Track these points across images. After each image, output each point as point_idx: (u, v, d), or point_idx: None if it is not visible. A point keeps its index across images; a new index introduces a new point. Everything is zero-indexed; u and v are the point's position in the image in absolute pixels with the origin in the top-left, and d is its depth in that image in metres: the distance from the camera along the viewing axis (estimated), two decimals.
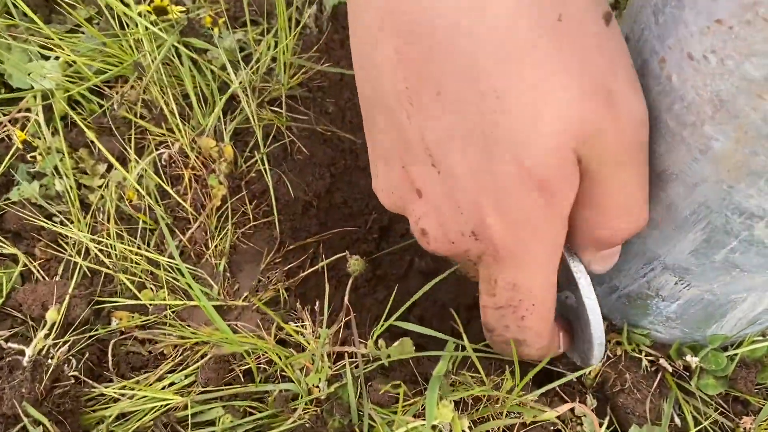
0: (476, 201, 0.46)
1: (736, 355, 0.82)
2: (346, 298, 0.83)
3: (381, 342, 0.78)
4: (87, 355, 0.78)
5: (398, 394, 0.75)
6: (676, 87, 0.58)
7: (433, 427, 0.73)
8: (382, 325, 0.77)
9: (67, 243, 0.86)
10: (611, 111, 0.44)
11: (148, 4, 0.93)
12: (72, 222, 0.87)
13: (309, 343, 0.77)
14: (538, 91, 0.41)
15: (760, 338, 0.86)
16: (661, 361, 0.84)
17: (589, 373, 0.86)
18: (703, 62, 0.54)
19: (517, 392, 0.75)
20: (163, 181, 0.88)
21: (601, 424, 0.82)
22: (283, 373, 0.77)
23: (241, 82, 0.91)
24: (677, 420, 0.84)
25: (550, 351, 0.69)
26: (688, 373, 0.85)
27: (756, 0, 0.46)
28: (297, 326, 0.81)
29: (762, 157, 0.54)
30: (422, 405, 0.73)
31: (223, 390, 0.75)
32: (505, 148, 0.43)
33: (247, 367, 0.77)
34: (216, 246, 0.86)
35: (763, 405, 0.82)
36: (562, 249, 0.52)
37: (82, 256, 0.84)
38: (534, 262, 0.50)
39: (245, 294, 0.84)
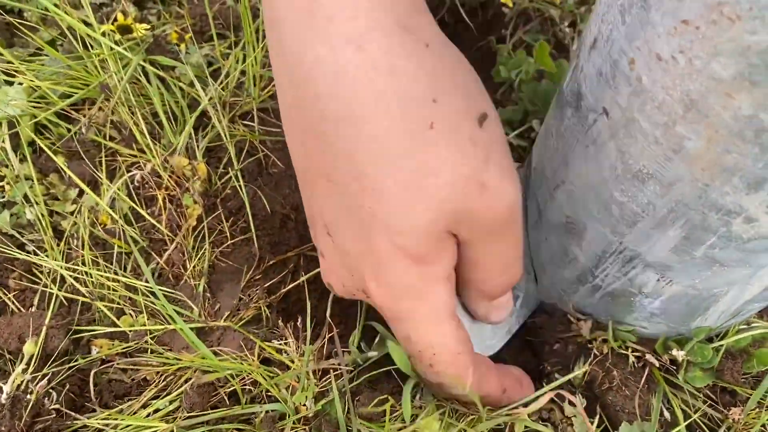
0: (359, 270, 0.55)
1: (721, 346, 0.83)
2: (327, 313, 0.82)
3: (364, 346, 0.77)
4: (68, 386, 0.76)
5: (388, 407, 0.74)
6: (647, 88, 0.57)
7: None
8: (360, 329, 0.76)
9: (41, 272, 0.85)
10: (482, 199, 0.50)
11: (112, 23, 0.91)
12: (45, 250, 0.85)
13: (293, 361, 0.76)
14: (410, 190, 0.48)
15: (745, 327, 0.87)
16: (648, 356, 0.84)
17: (578, 372, 0.86)
18: (671, 63, 0.54)
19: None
20: (136, 204, 0.87)
21: (591, 423, 0.82)
22: (269, 394, 0.76)
23: (210, 98, 0.90)
24: (667, 414, 0.84)
25: (491, 387, 0.72)
26: (675, 367, 0.85)
27: (716, 2, 0.46)
28: (280, 344, 0.80)
29: (734, 155, 0.53)
30: (410, 416, 0.73)
31: (208, 414, 0.74)
32: (382, 232, 0.50)
33: (232, 389, 0.76)
34: (194, 266, 0.85)
35: (751, 394, 0.82)
36: (452, 301, 0.58)
37: (57, 285, 0.83)
38: (422, 319, 0.57)
39: (226, 314, 0.83)
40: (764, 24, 0.44)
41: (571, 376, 0.80)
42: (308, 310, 0.76)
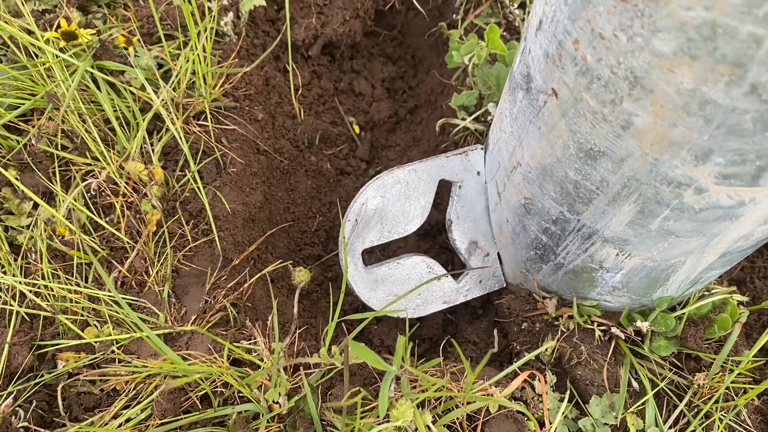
0: None
1: (683, 314, 0.84)
2: (295, 311, 0.82)
3: (335, 348, 0.77)
4: (35, 402, 0.75)
5: (359, 399, 0.74)
6: (592, 67, 0.58)
7: (399, 428, 0.73)
8: (331, 332, 0.76)
9: (0, 289, 0.83)
10: None
11: (55, 30, 0.89)
12: (2, 266, 0.83)
13: (263, 360, 0.76)
14: None
15: (706, 294, 0.89)
16: (613, 329, 0.86)
17: (546, 350, 0.87)
18: (614, 41, 0.54)
19: (470, 383, 0.75)
20: (93, 213, 0.85)
21: (562, 399, 0.83)
22: (241, 395, 0.76)
23: (162, 101, 0.88)
24: (635, 384, 0.86)
25: None
26: (640, 338, 0.87)
27: None
28: (249, 344, 0.80)
29: (681, 128, 0.54)
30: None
31: (180, 420, 0.73)
32: None
33: (203, 393, 0.75)
34: (157, 272, 0.84)
35: (714, 359, 0.84)
36: None
37: (17, 301, 0.81)
38: None
39: (193, 318, 0.82)
40: (698, 0, 0.45)
41: (536, 353, 0.81)
42: (274, 307, 0.76)
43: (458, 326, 1.03)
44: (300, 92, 1.13)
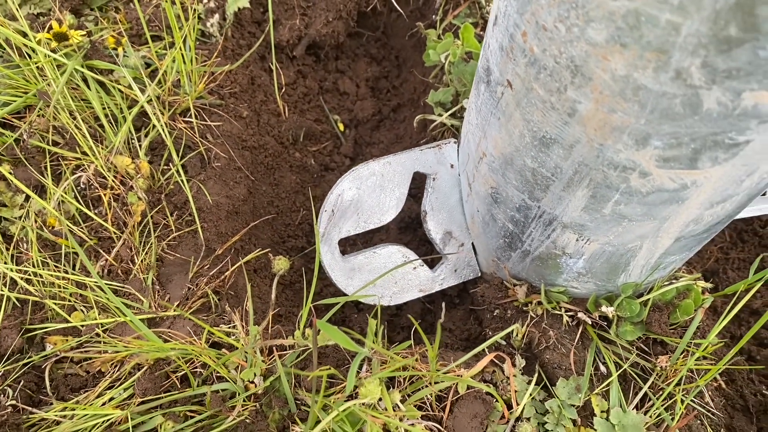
0: None
1: (648, 300, 0.87)
2: (272, 296, 0.86)
3: (308, 331, 0.80)
4: (23, 383, 0.79)
5: (332, 378, 0.78)
6: (539, 57, 0.62)
7: (369, 405, 0.77)
8: (306, 315, 0.79)
9: None
10: None
11: (47, 32, 0.94)
12: None
13: (239, 342, 0.80)
14: None
15: (674, 281, 0.91)
16: (580, 314, 0.89)
17: (517, 334, 0.90)
18: (555, 32, 0.58)
19: (433, 359, 0.78)
20: (82, 205, 0.89)
21: (530, 381, 0.86)
22: (220, 375, 0.80)
23: (148, 97, 0.93)
24: (603, 368, 0.89)
25: None
26: (607, 323, 0.90)
27: None
28: (229, 327, 0.83)
29: (620, 114, 0.58)
30: (354, 386, 0.76)
31: (161, 398, 0.77)
32: None
33: (183, 373, 0.79)
34: (142, 261, 0.88)
35: (678, 343, 0.87)
36: None
37: (8, 288, 0.85)
38: None
39: (176, 304, 0.86)
40: None
41: (501, 335, 0.84)
42: (248, 291, 0.80)
43: (436, 315, 1.06)
44: (285, 91, 1.17)
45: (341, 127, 1.23)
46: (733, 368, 0.97)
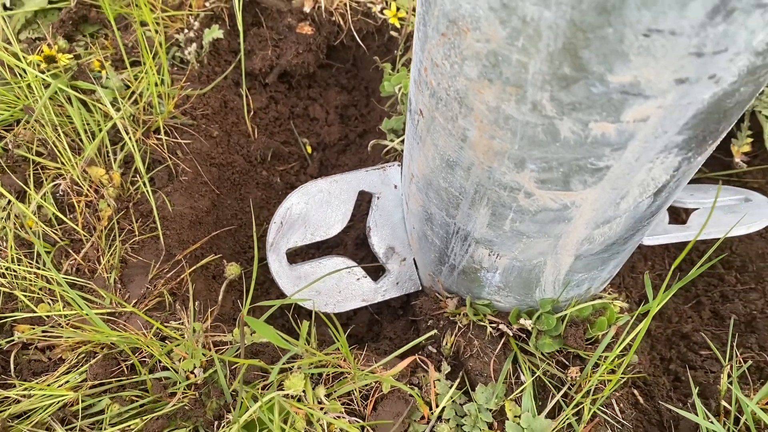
0: None
1: (565, 315, 0.95)
2: (219, 297, 0.95)
3: (246, 329, 0.89)
4: None
5: (264, 372, 0.86)
6: (436, 90, 0.71)
7: (296, 398, 0.85)
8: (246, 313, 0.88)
9: None
10: None
11: (38, 54, 1.05)
12: None
13: (184, 337, 0.88)
14: None
15: (599, 300, 0.99)
16: (501, 326, 0.96)
17: (446, 343, 0.98)
18: (443, 67, 0.67)
19: (352, 360, 0.86)
20: (57, 210, 0.99)
21: (452, 386, 0.94)
22: (165, 365, 0.88)
23: (120, 115, 1.03)
24: (523, 377, 0.96)
25: None
26: (528, 336, 0.97)
27: (455, 18, 0.59)
28: (178, 324, 0.92)
29: (498, 140, 0.66)
30: (281, 380, 0.85)
31: (110, 383, 0.86)
32: None
33: (131, 362, 0.88)
34: (107, 261, 0.97)
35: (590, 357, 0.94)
36: None
37: None
38: None
39: (134, 301, 0.95)
40: (482, 33, 0.58)
41: (419, 340, 0.92)
42: (191, 292, 0.88)
43: (382, 325, 1.14)
44: (257, 114, 1.27)
45: (309, 149, 1.33)
46: (652, 385, 1.04)
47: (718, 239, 0.84)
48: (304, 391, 0.84)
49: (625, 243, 0.83)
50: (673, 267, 0.76)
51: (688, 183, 1.33)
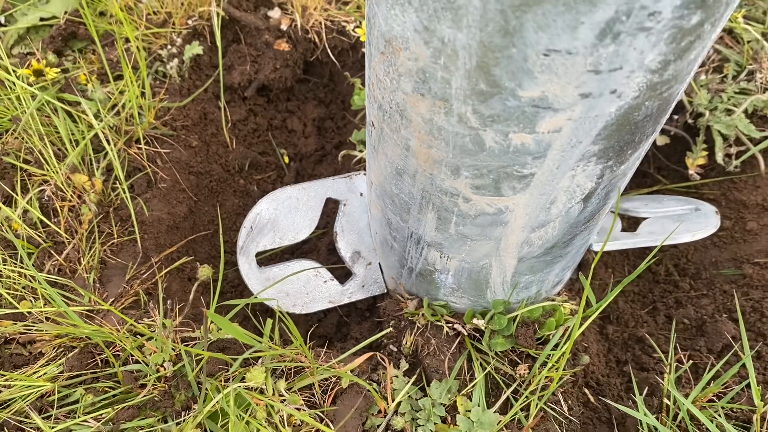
0: None
1: (516, 316, 1.00)
2: (190, 297, 1.01)
3: (213, 326, 0.95)
4: None
5: (227, 366, 0.92)
6: (382, 103, 0.77)
7: (258, 391, 0.91)
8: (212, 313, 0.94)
9: None
10: None
11: (27, 68, 1.12)
12: None
13: (154, 332, 0.94)
14: None
15: (549, 302, 1.04)
16: (457, 326, 1.02)
17: (406, 342, 1.04)
18: (385, 82, 0.73)
19: (309, 355, 0.91)
20: (42, 214, 1.06)
21: (409, 382, 0.99)
22: (137, 359, 0.94)
23: (102, 125, 1.10)
24: (477, 375, 1.01)
25: None
26: (482, 335, 1.03)
27: (389, 38, 0.66)
28: (150, 321, 0.98)
29: (435, 149, 0.73)
30: (243, 373, 0.91)
31: (85, 375, 0.92)
32: None
33: (105, 356, 0.94)
34: (87, 262, 1.04)
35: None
36: None
37: None
38: None
39: (111, 300, 1.01)
40: (412, 53, 0.64)
41: (375, 338, 0.98)
42: (160, 291, 0.95)
43: (350, 326, 1.20)
44: (236, 126, 1.34)
45: (286, 159, 1.40)
46: (604, 385, 1.09)
47: (674, 246, 0.90)
48: (266, 384, 0.89)
49: (565, 246, 0.89)
50: (633, 275, 0.82)
51: (648, 194, 1.39)
